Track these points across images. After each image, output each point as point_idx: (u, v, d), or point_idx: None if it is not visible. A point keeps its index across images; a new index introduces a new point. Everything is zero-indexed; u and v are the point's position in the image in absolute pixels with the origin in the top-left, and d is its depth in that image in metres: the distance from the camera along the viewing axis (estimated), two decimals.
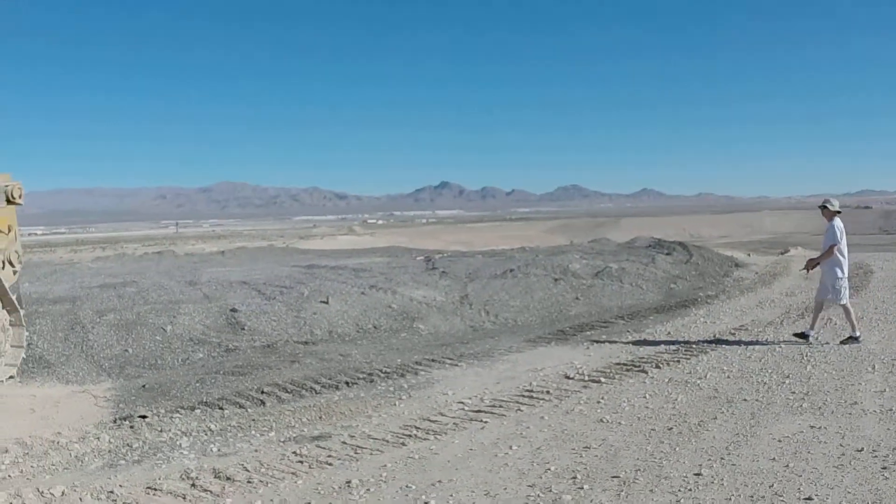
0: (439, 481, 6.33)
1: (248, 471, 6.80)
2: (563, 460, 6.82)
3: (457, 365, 11.12)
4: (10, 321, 10.99)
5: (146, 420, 8.75)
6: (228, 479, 6.59)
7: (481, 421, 8.14)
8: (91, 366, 11.84)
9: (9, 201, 11.29)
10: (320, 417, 8.71)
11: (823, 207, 12.01)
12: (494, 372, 10.66)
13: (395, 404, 9.09)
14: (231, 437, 8.00)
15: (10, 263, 11.64)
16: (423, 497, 6.01)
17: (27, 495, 6.19)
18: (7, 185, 11.23)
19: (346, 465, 6.87)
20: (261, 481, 6.51)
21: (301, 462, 7.00)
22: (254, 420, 8.66)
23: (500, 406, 8.73)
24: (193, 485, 6.50)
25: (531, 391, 9.40)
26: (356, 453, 7.19)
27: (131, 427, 8.48)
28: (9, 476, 6.97)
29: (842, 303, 11.84)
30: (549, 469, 6.59)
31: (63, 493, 6.30)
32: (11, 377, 10.80)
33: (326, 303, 15.60)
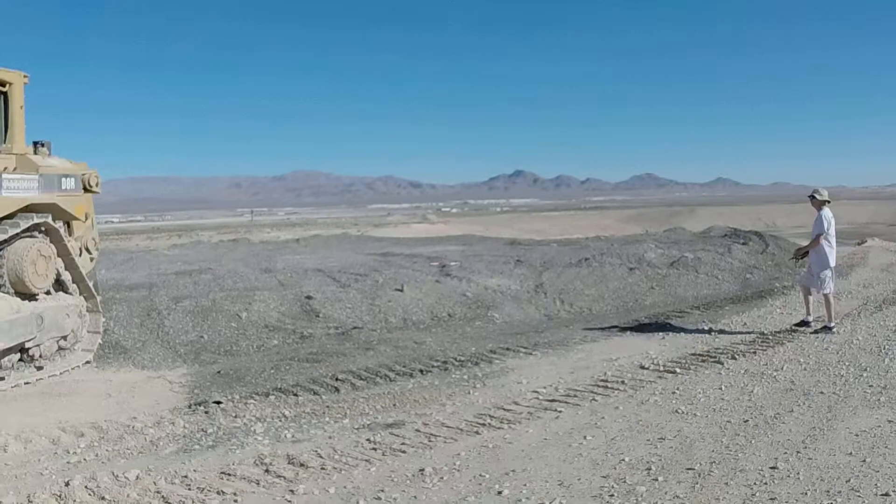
0: (513, 470, 6.29)
1: (321, 457, 6.85)
2: (638, 451, 6.72)
3: (531, 354, 11.06)
4: (87, 307, 11.32)
5: (221, 406, 8.90)
6: (302, 465, 6.65)
7: (556, 410, 8.06)
8: (167, 352, 12.10)
9: (86, 189, 11.62)
10: (394, 405, 8.73)
11: (812, 197, 12.19)
12: (569, 361, 10.57)
13: (469, 393, 9.07)
14: (305, 424, 8.08)
15: (87, 250, 11.99)
16: (497, 486, 5.97)
17: (102, 479, 6.34)
18: (84, 174, 11.55)
19: (419, 454, 6.87)
20: (334, 468, 6.55)
21: (375, 449, 7.02)
22: (328, 407, 8.73)
23: (575, 396, 8.64)
24: (267, 470, 6.57)
25: (606, 381, 9.30)
26: (430, 441, 7.19)
27: (206, 412, 8.64)
28: (84, 460, 7.16)
29: (824, 292, 11.99)
30: (623, 460, 6.50)
31: (138, 476, 6.43)
32: (88, 362, 11.13)
33: (401, 291, 15.67)
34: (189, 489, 6.19)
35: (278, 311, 14.47)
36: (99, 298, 11.68)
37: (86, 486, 6.21)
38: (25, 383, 9.98)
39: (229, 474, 6.50)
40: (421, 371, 10.28)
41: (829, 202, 12.12)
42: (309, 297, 15.25)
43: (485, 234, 37.58)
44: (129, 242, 46.60)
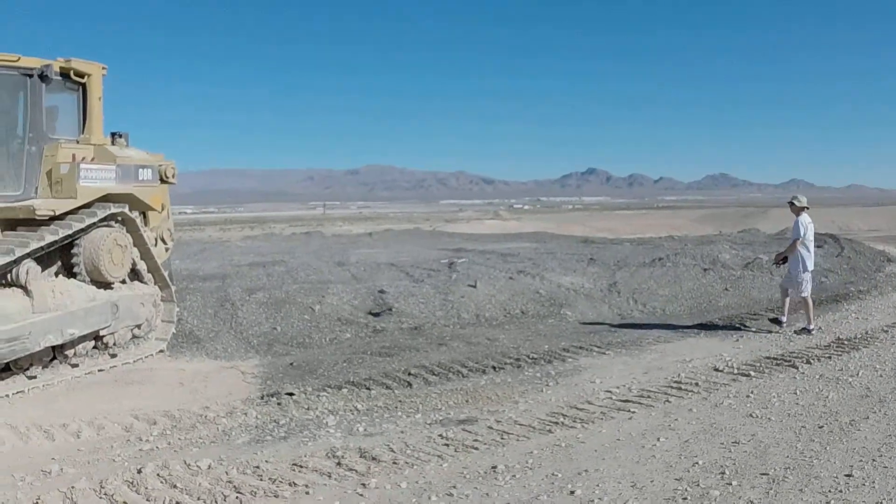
0: (585, 470, 6.24)
1: (393, 451, 6.88)
2: (712, 454, 6.63)
3: (604, 353, 10.99)
4: (162, 297, 11.56)
5: (293, 397, 9.01)
6: (374, 459, 6.69)
7: (629, 411, 7.98)
8: (239, 342, 12.31)
9: (162, 180, 11.87)
10: (467, 401, 8.74)
11: (791, 204, 12.93)
12: (642, 361, 10.47)
13: (542, 391, 9.03)
14: (377, 418, 8.13)
15: (163, 241, 12.27)
16: (570, 486, 5.92)
17: (174, 467, 6.47)
18: (161, 165, 11.81)
19: (491, 451, 6.85)
20: (406, 462, 6.57)
21: (447, 445, 7.03)
22: (400, 401, 8.77)
23: (648, 397, 8.55)
24: (339, 463, 6.63)
25: (679, 382, 9.19)
26: (502, 439, 7.17)
27: (278, 404, 8.76)
28: (156, 447, 7.32)
29: (802, 295, 12.58)
30: (696, 463, 6.42)
31: (210, 466, 6.55)
32: (161, 351, 11.40)
33: (474, 287, 15.67)
34: (261, 479, 6.28)
35: (351, 305, 14.60)
36: (174, 288, 11.93)
37: (158, 474, 6.35)
38: (99, 370, 10.28)
39: (301, 466, 6.57)
40: (494, 368, 10.27)
41: (807, 208, 12.84)
42: (382, 291, 15.36)
43: (557, 231, 37.42)
44: (202, 233, 47.63)
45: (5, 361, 8.82)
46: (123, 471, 6.47)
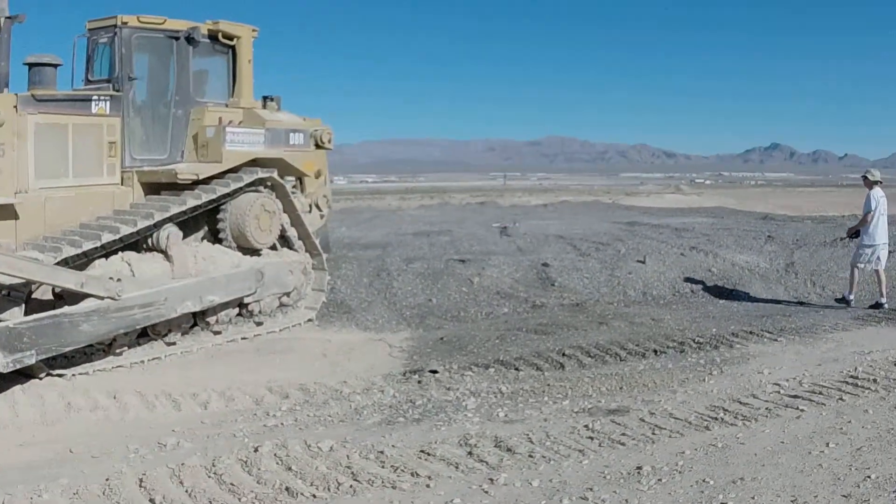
0: (741, 478, 5.32)
1: (531, 442, 6.23)
2: (887, 467, 5.48)
3: (776, 340, 9.80)
4: (313, 264, 11.33)
5: (436, 375, 8.54)
6: (509, 450, 6.07)
7: (797, 409, 6.90)
8: (392, 314, 11.98)
9: (317, 146, 11.63)
10: (621, 388, 7.95)
11: (864, 178, 13.01)
12: (817, 351, 9.22)
13: (704, 380, 8.07)
14: (521, 403, 7.52)
15: (318, 207, 12.04)
16: (721, 496, 5.04)
17: (293, 447, 6.08)
18: (316, 130, 11.55)
19: (639, 448, 6.06)
20: (543, 457, 5.91)
21: (591, 438, 6.30)
22: (548, 385, 8.11)
23: (820, 393, 7.38)
24: (470, 453, 6.05)
25: (856, 378, 7.89)
26: (653, 434, 6.35)
27: (419, 382, 8.33)
28: (282, 424, 7.01)
29: (875, 268, 12.48)
30: (868, 476, 5.32)
31: (332, 448, 6.12)
32: (310, 320, 11.20)
33: (643, 262, 14.74)
34: (382, 467, 5.79)
35: (512, 278, 14.01)
36: (325, 256, 11.70)
37: (275, 454, 5.97)
38: (242, 338, 10.16)
39: (429, 454, 6.03)
40: (655, 352, 9.39)
41: (880, 182, 12.87)
42: (545, 265, 14.68)
43: (737, 207, 35.32)
44: (381, 202, 48.10)
45: (139, 327, 8.74)
46: (241, 448, 6.14)
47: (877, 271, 12.47)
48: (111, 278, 8.29)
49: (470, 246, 17.42)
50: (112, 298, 8.18)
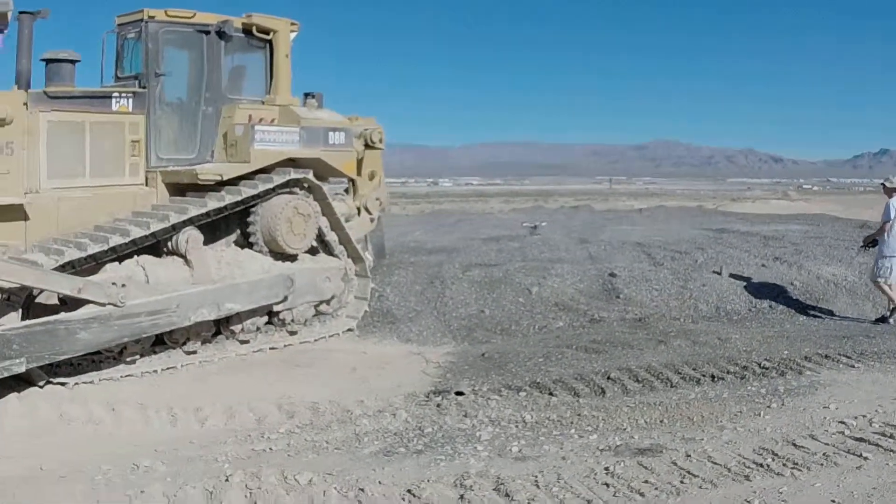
0: None
1: (536, 486, 5.46)
2: None
3: (853, 366, 8.62)
4: (356, 271, 10.75)
5: (461, 398, 7.83)
6: (507, 495, 5.31)
7: (859, 455, 5.84)
8: (438, 325, 11.30)
9: (368, 146, 11.07)
10: (661, 421, 7.06)
11: (883, 185, 12.26)
12: None
13: (759, 414, 7.07)
14: (543, 435, 6.73)
15: (367, 210, 11.46)
16: None
17: (268, 478, 5.50)
18: (366, 129, 10.99)
19: (659, 500, 5.21)
20: None
21: (607, 485, 5.46)
22: (580, 415, 7.27)
23: (890, 436, 6.26)
24: (462, 496, 5.35)
25: None
26: (682, 483, 5.46)
27: (437, 406, 7.62)
28: (271, 449, 6.43)
29: (878, 280, 11.80)
30: None
31: (310, 481, 5.53)
32: (350, 329, 10.62)
33: (719, 273, 13.69)
34: None
35: (575, 288, 13.14)
36: (370, 262, 11.10)
37: (246, 485, 5.46)
38: (271, 349, 9.62)
39: (414, 495, 5.35)
40: (712, 377, 8.40)
41: None
42: (612, 275, 13.76)
43: (840, 214, 33.33)
44: (485, 205, 47.43)
45: (147, 335, 8.27)
46: (213, 476, 5.59)
47: (883, 283, 11.74)
48: (114, 284, 7.83)
49: (539, 253, 16.60)
50: (114, 305, 7.73)
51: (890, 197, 12.02)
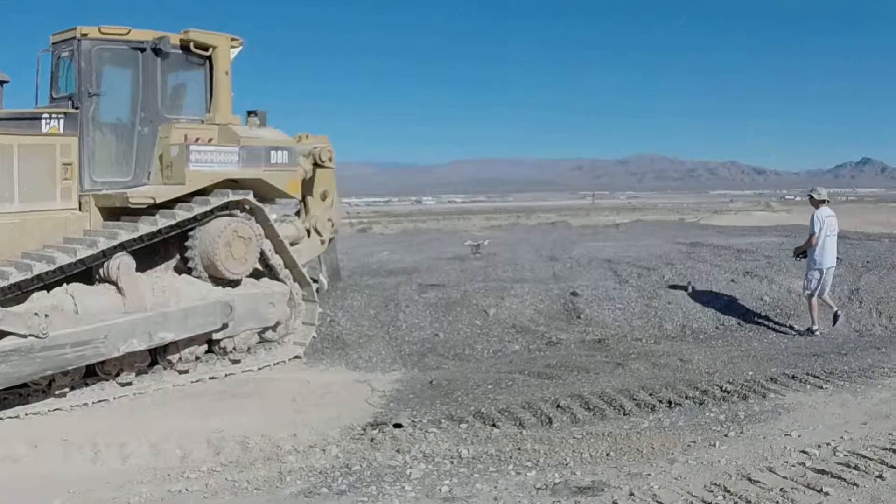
0: None
1: None
2: None
3: (821, 387, 8.32)
4: (304, 295, 10.40)
5: (399, 429, 7.50)
6: None
7: (819, 490, 5.50)
8: (389, 350, 10.97)
9: (315, 165, 10.76)
10: (608, 454, 6.75)
11: (810, 197, 12.60)
12: (866, 403, 7.77)
13: (714, 444, 6.76)
14: (477, 472, 6.41)
15: (317, 232, 11.13)
16: None
17: None
18: (315, 147, 10.68)
19: None
20: None
21: None
22: (520, 448, 6.95)
23: (856, 467, 5.92)
24: None
25: None
26: None
27: (371, 440, 7.27)
28: (187, 490, 6.09)
29: (805, 293, 12.06)
30: None
31: None
32: (297, 357, 10.28)
33: (686, 289, 13.41)
34: None
35: (534, 309, 12.83)
36: (318, 287, 10.76)
37: None
38: (211, 378, 9.26)
39: None
40: (669, 403, 8.10)
41: (827, 202, 12.30)
42: (574, 294, 13.44)
43: None
44: (468, 223, 47.16)
45: (73, 367, 7.90)
46: None
47: (807, 297, 11.97)
48: (36, 314, 7.46)
49: (502, 272, 16.24)
50: (36, 336, 7.36)
51: (816, 209, 12.13)
